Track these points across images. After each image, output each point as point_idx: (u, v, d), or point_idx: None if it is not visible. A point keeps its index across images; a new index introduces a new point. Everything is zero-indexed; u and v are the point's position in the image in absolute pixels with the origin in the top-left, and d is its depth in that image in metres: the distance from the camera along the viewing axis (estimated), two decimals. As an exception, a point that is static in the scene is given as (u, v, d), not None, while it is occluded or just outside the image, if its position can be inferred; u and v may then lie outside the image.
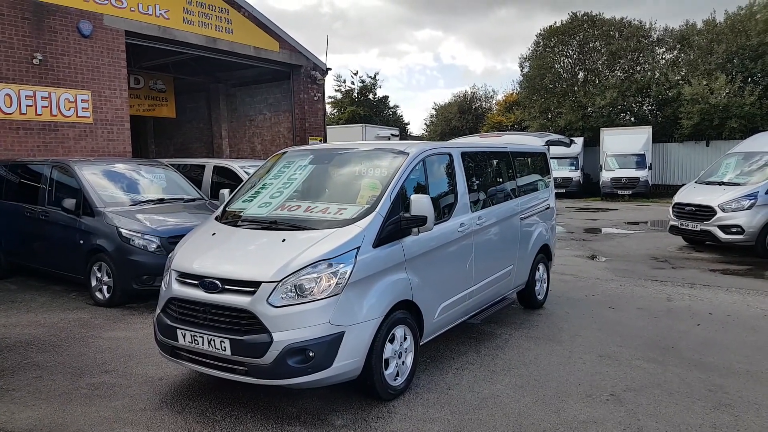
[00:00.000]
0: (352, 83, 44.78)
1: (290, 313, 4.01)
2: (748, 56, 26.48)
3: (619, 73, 32.46)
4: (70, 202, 8.03)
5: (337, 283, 4.14)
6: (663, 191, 26.67)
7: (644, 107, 32.12)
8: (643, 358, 5.55)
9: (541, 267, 7.42)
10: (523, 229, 6.87)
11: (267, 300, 4.02)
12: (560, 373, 5.20)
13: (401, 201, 4.75)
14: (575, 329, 6.53)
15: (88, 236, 7.87)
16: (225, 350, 4.09)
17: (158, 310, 4.63)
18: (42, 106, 11.54)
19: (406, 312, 4.72)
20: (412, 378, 4.83)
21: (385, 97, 46.23)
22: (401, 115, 48.12)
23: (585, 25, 33.20)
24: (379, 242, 4.48)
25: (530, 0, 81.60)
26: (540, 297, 7.45)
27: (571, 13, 33.86)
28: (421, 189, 5.10)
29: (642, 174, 25.46)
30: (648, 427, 4.14)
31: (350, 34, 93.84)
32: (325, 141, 18.74)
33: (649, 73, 30.79)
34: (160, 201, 8.64)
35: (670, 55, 31.81)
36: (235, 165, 10.19)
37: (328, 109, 43.57)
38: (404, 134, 42.54)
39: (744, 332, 6.39)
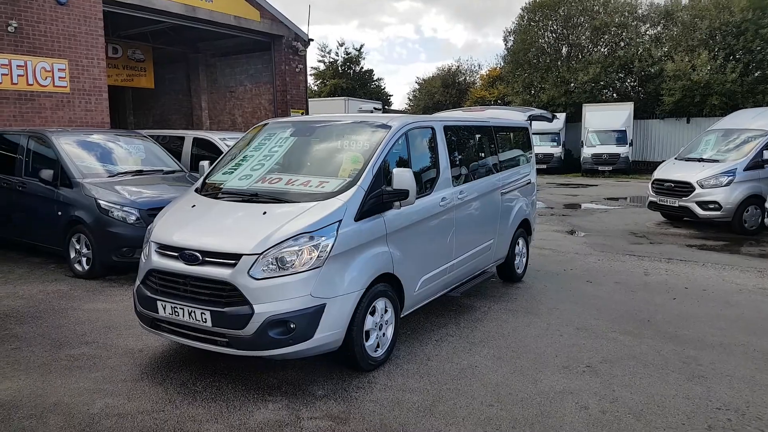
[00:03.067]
0: (337, 54, 44.28)
1: (271, 285, 4.02)
2: (731, 33, 26.55)
3: (602, 49, 32.44)
4: (47, 173, 7.91)
5: (318, 256, 4.14)
6: (643, 168, 26.92)
7: (626, 83, 32.20)
8: (620, 331, 5.66)
9: (520, 241, 7.49)
10: (504, 204, 6.91)
11: (248, 272, 4.02)
12: (538, 344, 5.29)
13: (383, 174, 4.74)
14: (553, 302, 6.63)
15: (67, 208, 7.77)
16: (206, 322, 4.08)
17: (138, 282, 4.61)
18: (18, 75, 11.25)
19: (387, 285, 4.75)
20: (392, 349, 4.88)
21: (370, 71, 45.80)
22: (384, 89, 47.78)
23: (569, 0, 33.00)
24: (360, 216, 4.48)
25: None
26: (519, 271, 7.53)
27: (556, -13, 33.60)
28: (403, 163, 5.09)
29: (623, 150, 25.65)
30: (623, 397, 4.24)
31: (329, 5, 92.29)
32: (307, 113, 18.55)
33: (632, 49, 30.81)
34: (139, 173, 8.52)
35: (654, 31, 31.83)
36: (215, 137, 10.07)
37: (311, 80, 43.13)
38: (386, 108, 42.29)
39: (719, 306, 6.53)
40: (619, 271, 8.20)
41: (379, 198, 4.64)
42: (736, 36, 26.40)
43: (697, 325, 5.88)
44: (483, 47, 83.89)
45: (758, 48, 26.14)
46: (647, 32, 32.07)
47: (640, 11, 31.92)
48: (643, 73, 30.13)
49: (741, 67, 25.91)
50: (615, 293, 7.06)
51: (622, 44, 31.91)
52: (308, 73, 19.33)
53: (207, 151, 9.86)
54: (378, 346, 4.69)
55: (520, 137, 7.81)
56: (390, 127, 5.09)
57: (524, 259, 7.69)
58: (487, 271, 6.99)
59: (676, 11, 29.96)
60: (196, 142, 10.36)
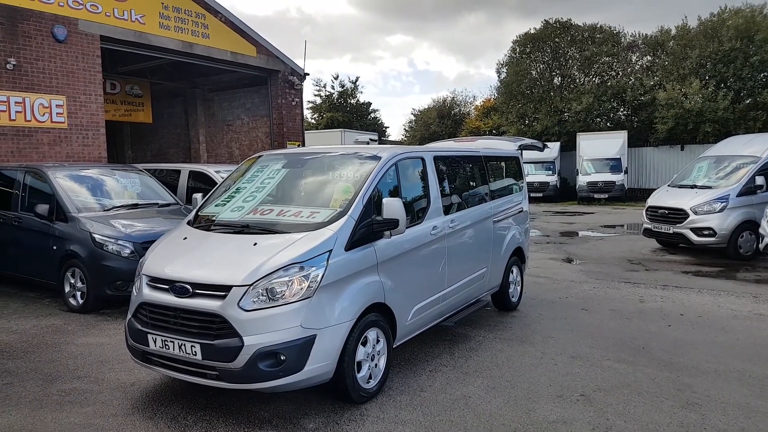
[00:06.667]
0: (332, 87, 44.86)
1: (261, 316, 4.02)
2: (721, 61, 26.99)
3: (594, 79, 32.92)
4: (43, 208, 7.94)
5: (308, 287, 4.15)
6: (639, 195, 27.02)
7: (620, 112, 32.58)
8: (614, 359, 5.64)
9: (514, 269, 7.50)
10: (497, 232, 6.94)
11: (238, 304, 4.02)
12: (532, 374, 5.26)
13: (374, 204, 4.79)
14: (548, 331, 6.61)
15: (62, 242, 7.79)
16: (196, 355, 4.07)
17: (129, 315, 4.61)
18: (16, 112, 11.37)
19: (378, 315, 4.74)
20: (385, 380, 4.85)
21: (368, 103, 46.39)
22: (381, 121, 48.28)
23: (558, 32, 33.64)
24: (351, 245, 4.51)
25: (499, 6, 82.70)
26: (514, 299, 7.53)
27: (544, 20, 34.37)
28: (393, 193, 5.14)
29: (618, 178, 25.83)
30: (617, 426, 4.21)
31: (320, 40, 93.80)
32: (303, 146, 18.70)
33: (624, 79, 31.27)
34: (135, 206, 8.57)
35: (645, 60, 32.33)
36: (211, 170, 10.15)
37: (308, 114, 43.59)
38: (383, 139, 42.67)
39: (714, 333, 6.51)
40: (614, 298, 8.19)
41: (369, 227, 4.67)
42: (726, 64, 26.83)
43: (692, 352, 5.85)
44: (475, 78, 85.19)
45: (748, 75, 26.54)
46: (638, 62, 32.58)
47: (624, 40, 32.45)
48: (635, 101, 30.52)
49: (732, 95, 26.27)
50: (610, 321, 7.04)
51: (613, 74, 32.39)
52: (305, 106, 19.55)
53: (203, 183, 9.92)
54: (370, 377, 4.66)
55: (512, 166, 7.88)
56: (380, 158, 5.16)
57: (519, 288, 7.69)
58: (482, 300, 6.99)
59: (666, 41, 30.49)
60: (192, 175, 10.45)
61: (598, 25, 33.17)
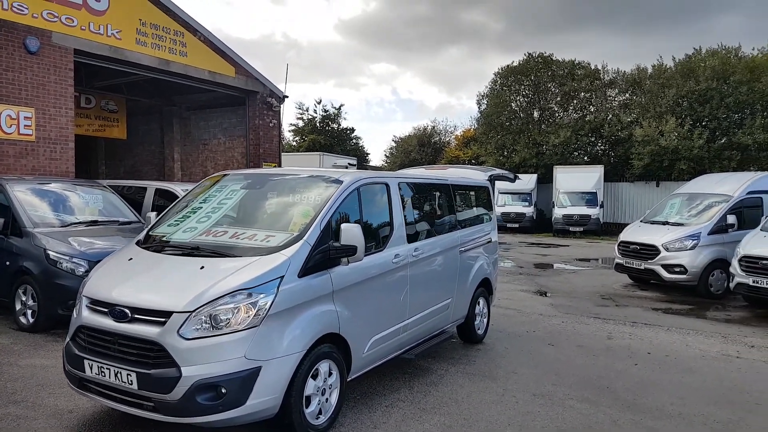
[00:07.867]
0: (315, 111, 44.96)
1: (202, 345, 3.78)
2: (697, 100, 27.50)
3: (572, 113, 33.36)
4: (-4, 222, 7.65)
5: (256, 314, 3.92)
6: (614, 229, 27.11)
7: (597, 147, 32.96)
8: (577, 398, 5.47)
9: (481, 301, 7.34)
10: (463, 262, 6.80)
11: (178, 331, 3.78)
12: (491, 412, 5.07)
13: (332, 230, 4.61)
14: (512, 366, 6.44)
15: (15, 257, 7.50)
16: (132, 384, 3.82)
17: (68, 339, 4.34)
18: (-19, 122, 11.06)
19: (332, 346, 4.53)
20: (336, 416, 4.61)
21: (351, 129, 46.56)
22: (362, 146, 48.37)
23: (540, 66, 34.13)
24: (305, 272, 4.31)
25: (481, 40, 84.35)
26: (480, 332, 7.35)
27: (527, 53, 34.88)
28: (354, 218, 4.97)
29: (593, 212, 25.97)
30: (574, 470, 4.03)
31: (306, 64, 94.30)
32: (279, 167, 18.50)
33: (601, 114, 31.72)
34: (94, 223, 8.29)
35: (623, 97, 32.88)
36: (178, 188, 9.91)
37: (290, 136, 43.53)
38: (364, 164, 42.68)
39: (680, 373, 6.39)
40: (582, 334, 8.06)
41: (325, 254, 4.48)
42: (702, 104, 27.33)
43: (657, 393, 5.71)
44: (457, 109, 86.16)
45: (723, 116, 27.06)
46: (616, 98, 33.11)
47: (606, 77, 33.01)
48: (612, 137, 30.92)
49: (707, 134, 26.71)
50: (576, 357, 6.90)
51: (592, 109, 32.86)
52: (287, 129, 19.44)
53: (169, 201, 9.65)
54: (320, 412, 4.42)
55: (481, 196, 7.78)
56: (341, 182, 5.00)
57: (485, 320, 7.53)
58: (446, 332, 6.80)
59: (643, 79, 31.04)
60: (159, 192, 10.21)
61: (578, 62, 33.73)
